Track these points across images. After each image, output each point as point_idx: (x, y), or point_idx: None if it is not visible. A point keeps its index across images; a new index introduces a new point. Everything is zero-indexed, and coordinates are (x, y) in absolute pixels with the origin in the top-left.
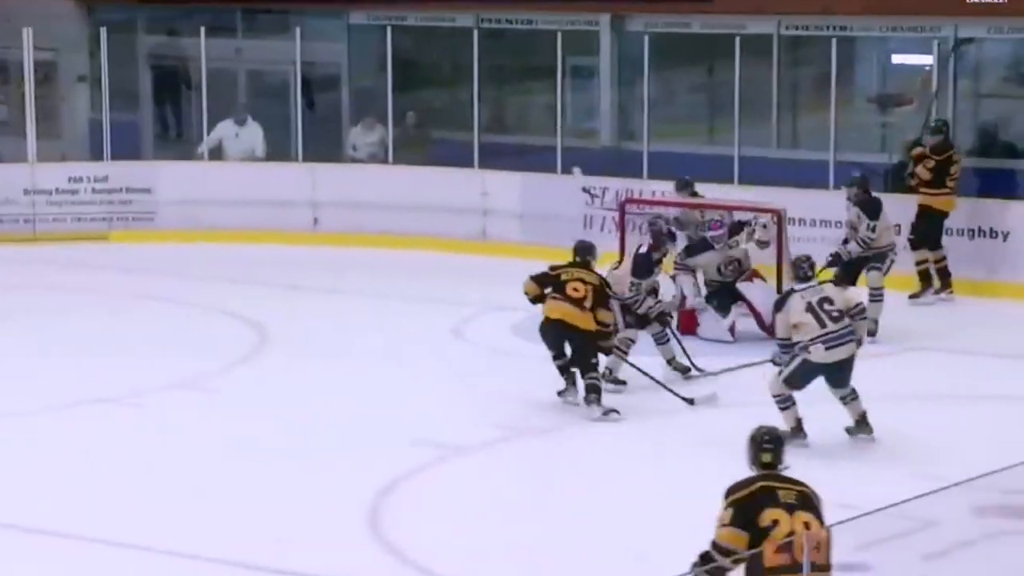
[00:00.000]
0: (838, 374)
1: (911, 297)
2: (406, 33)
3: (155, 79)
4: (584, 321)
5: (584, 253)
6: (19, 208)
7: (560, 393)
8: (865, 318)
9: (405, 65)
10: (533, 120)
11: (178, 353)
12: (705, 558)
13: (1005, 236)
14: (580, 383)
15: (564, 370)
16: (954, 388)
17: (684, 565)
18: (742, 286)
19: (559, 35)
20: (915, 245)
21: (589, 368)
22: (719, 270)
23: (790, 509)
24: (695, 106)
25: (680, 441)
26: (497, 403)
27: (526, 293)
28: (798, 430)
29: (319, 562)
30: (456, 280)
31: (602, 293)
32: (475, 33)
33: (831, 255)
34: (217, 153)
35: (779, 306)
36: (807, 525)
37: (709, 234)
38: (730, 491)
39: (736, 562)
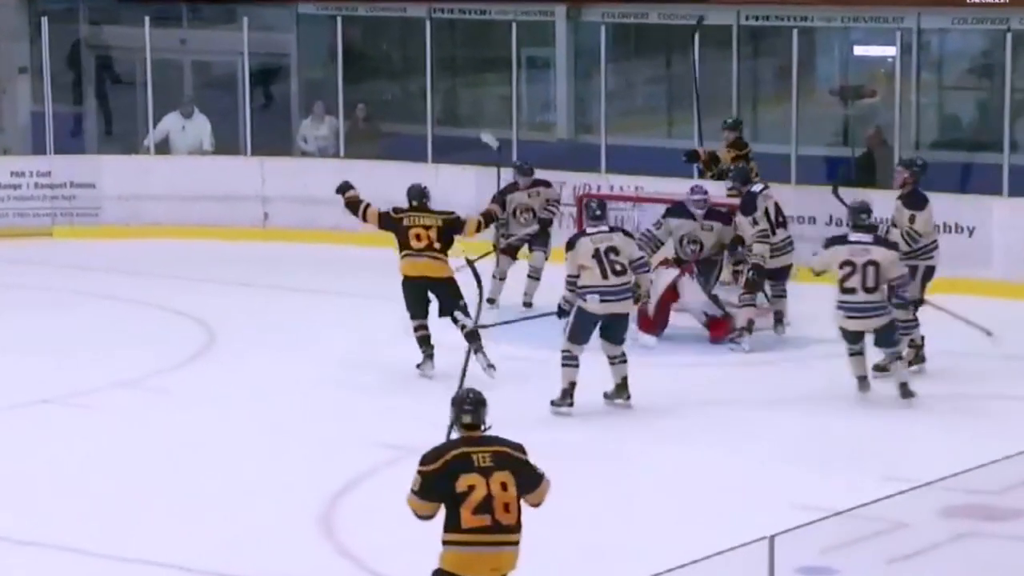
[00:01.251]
0: (613, 328)
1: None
2: (357, 23)
3: (98, 70)
4: (440, 269)
5: (419, 197)
6: None
7: (418, 366)
8: (647, 271)
9: (356, 56)
10: (488, 113)
11: (123, 352)
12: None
13: (971, 232)
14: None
15: (424, 341)
16: (921, 388)
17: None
18: (681, 280)
19: (514, 25)
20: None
21: (462, 312)
22: (681, 242)
23: (486, 472)
24: (654, 98)
25: (638, 429)
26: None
27: (363, 218)
28: (567, 394)
29: (271, 566)
30: None
31: (447, 231)
32: (427, 23)
33: None
34: (164, 147)
35: (570, 245)
36: (504, 486)
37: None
38: (423, 459)
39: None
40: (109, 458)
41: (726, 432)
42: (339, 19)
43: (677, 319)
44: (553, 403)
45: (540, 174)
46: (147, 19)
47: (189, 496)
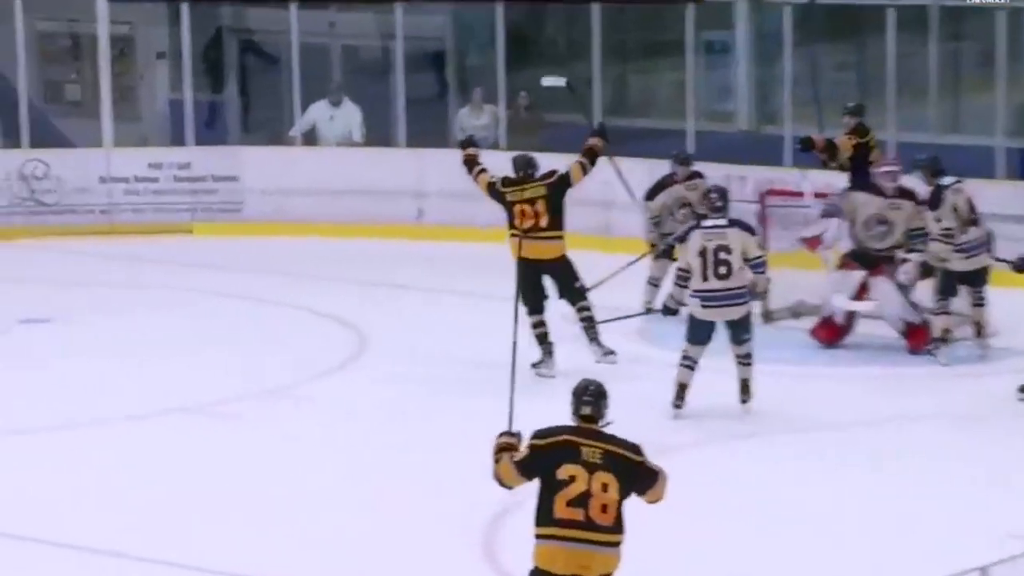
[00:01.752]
0: (731, 330)
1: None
2: (518, 5)
3: (240, 56)
4: (550, 250)
5: (525, 167)
6: (94, 198)
7: (534, 365)
8: (763, 271)
9: (517, 41)
10: (661, 101)
11: (266, 358)
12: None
13: None
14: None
15: (543, 338)
16: None
17: None
18: (875, 281)
19: (690, 7)
20: None
21: (579, 297)
22: (867, 224)
23: (591, 468)
24: (842, 85)
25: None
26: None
27: (474, 180)
28: (678, 395)
29: None
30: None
31: (555, 195)
32: (595, 5)
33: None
34: (310, 137)
35: (683, 238)
36: (605, 487)
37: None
38: (537, 433)
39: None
40: (250, 472)
41: (923, 453)
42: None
43: (866, 325)
44: (675, 404)
45: (717, 169)
46: (293, 1)
47: (339, 514)
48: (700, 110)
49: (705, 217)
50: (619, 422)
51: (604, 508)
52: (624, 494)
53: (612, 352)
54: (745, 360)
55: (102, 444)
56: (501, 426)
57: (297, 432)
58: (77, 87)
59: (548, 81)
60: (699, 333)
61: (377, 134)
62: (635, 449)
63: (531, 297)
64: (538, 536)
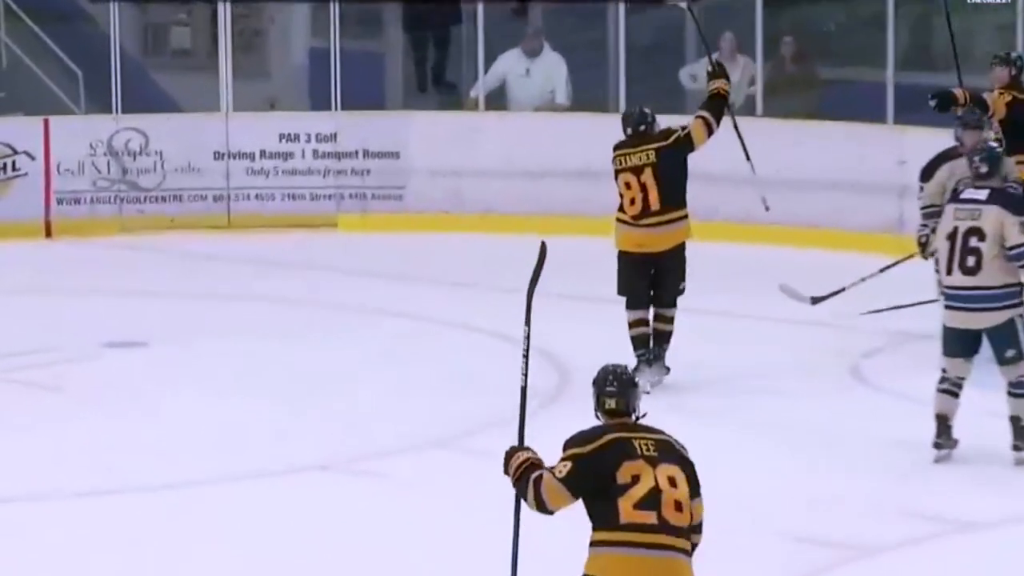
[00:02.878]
0: (990, 340)
1: None
2: None
3: None
4: (662, 240)
5: (636, 123)
6: (207, 180)
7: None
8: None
9: None
10: (978, 51)
11: (433, 399)
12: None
13: None
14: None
15: (641, 341)
16: None
17: None
18: None
19: None
20: None
21: (671, 303)
22: None
23: (652, 462)
24: None
25: None
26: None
27: None
28: (940, 431)
29: None
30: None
31: (670, 160)
32: None
33: None
34: (498, 99)
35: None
36: (672, 481)
37: None
38: (573, 441)
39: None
40: (397, 550)
41: None
42: None
43: None
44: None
45: None
46: None
47: None
48: None
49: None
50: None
51: (678, 506)
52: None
53: (663, 372)
54: (1017, 390)
55: (217, 507)
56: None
57: (467, 499)
58: (186, 32)
59: None
60: (952, 344)
61: (588, 95)
62: (682, 446)
63: (632, 293)
64: (597, 543)
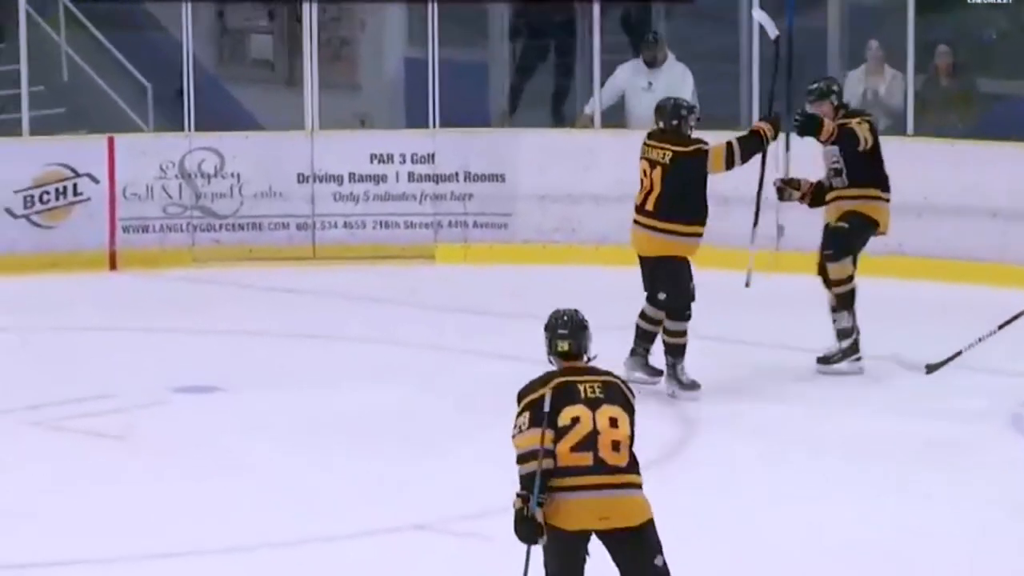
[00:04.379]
0: None
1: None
2: None
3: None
4: (652, 245)
5: (670, 116)
6: (290, 206)
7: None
8: None
9: None
10: None
11: None
12: (522, 481)
13: None
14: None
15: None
16: None
17: None
18: None
19: None
20: None
21: (658, 306)
22: None
23: (593, 405)
24: None
25: None
26: None
27: None
28: None
29: None
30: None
31: (680, 171)
32: None
33: None
34: (617, 115)
35: None
36: (613, 421)
37: None
38: (524, 391)
39: (547, 456)
40: None
41: None
42: None
43: None
44: None
45: None
46: None
47: None
48: None
49: None
50: None
51: (615, 446)
52: (633, 430)
53: (694, 383)
54: None
55: (300, 573)
56: None
57: None
58: (268, 40)
59: (759, 16)
60: None
61: (721, 109)
62: (630, 388)
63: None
64: (548, 490)
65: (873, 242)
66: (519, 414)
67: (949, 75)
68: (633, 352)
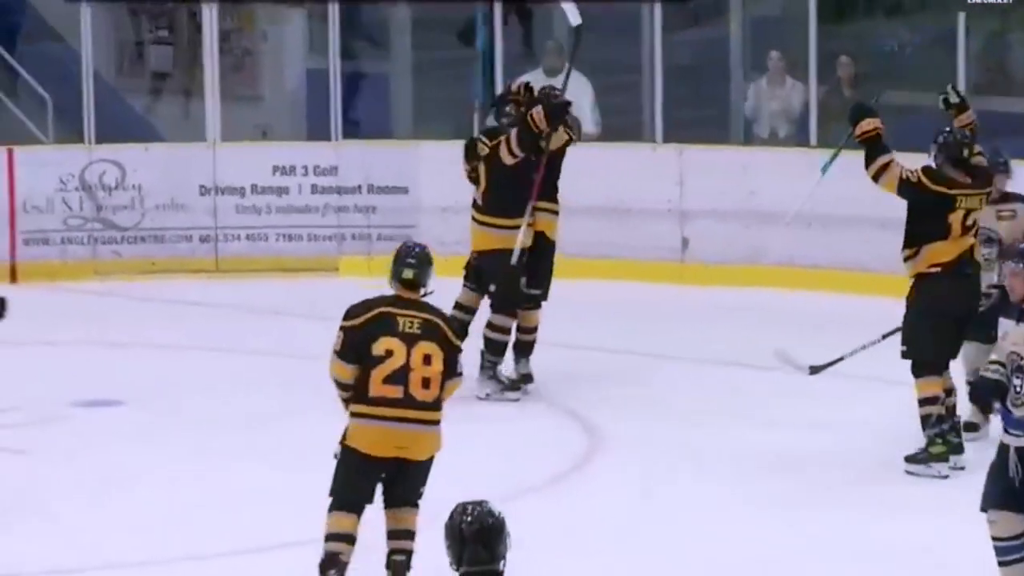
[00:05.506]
0: None
1: None
2: None
3: None
4: (481, 239)
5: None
6: (192, 218)
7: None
8: None
9: None
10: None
11: (480, 463)
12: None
13: None
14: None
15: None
16: None
17: None
18: None
19: None
20: None
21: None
22: None
23: (410, 340)
24: None
25: None
26: None
27: None
28: None
29: None
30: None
31: (491, 164)
32: None
33: None
34: None
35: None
36: (427, 359)
37: None
38: (347, 313)
39: (344, 389)
40: None
41: None
42: None
43: None
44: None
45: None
46: None
47: None
48: None
49: None
50: None
51: (426, 383)
52: (446, 369)
53: (525, 379)
54: None
55: None
56: None
57: None
58: (168, 51)
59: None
60: None
61: (620, 121)
62: (453, 328)
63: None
64: (352, 414)
65: (767, 252)
66: (338, 330)
67: (851, 86)
68: (490, 369)
